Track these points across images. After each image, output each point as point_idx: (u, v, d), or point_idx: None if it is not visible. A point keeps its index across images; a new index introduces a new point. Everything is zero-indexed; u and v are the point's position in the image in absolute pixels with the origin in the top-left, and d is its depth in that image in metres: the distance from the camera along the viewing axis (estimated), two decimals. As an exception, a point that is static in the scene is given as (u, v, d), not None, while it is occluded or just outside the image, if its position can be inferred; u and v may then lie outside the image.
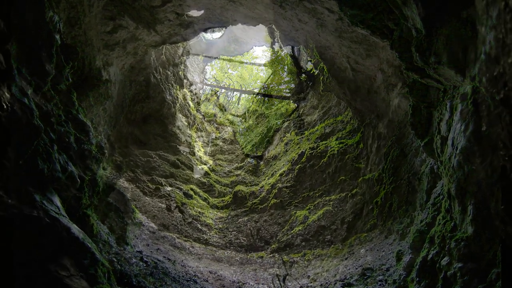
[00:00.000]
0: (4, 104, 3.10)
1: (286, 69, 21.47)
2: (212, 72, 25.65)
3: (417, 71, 4.74)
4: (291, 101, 19.90)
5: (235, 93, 26.32)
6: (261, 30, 10.69)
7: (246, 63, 24.40)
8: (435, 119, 5.08)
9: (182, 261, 9.22)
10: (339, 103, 14.09)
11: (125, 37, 9.73)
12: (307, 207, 11.78)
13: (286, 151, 15.11)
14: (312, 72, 14.78)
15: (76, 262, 4.04)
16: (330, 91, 13.11)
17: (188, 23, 11.16)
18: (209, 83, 25.08)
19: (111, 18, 8.99)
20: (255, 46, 12.12)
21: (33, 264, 3.33)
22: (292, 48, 17.36)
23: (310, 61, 14.30)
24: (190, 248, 10.49)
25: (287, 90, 21.04)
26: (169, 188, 12.77)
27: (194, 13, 10.79)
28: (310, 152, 12.85)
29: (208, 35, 11.50)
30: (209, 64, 23.70)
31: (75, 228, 4.22)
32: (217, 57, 23.39)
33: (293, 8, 9.29)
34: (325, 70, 12.20)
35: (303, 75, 17.13)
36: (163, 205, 11.88)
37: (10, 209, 3.02)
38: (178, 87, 17.24)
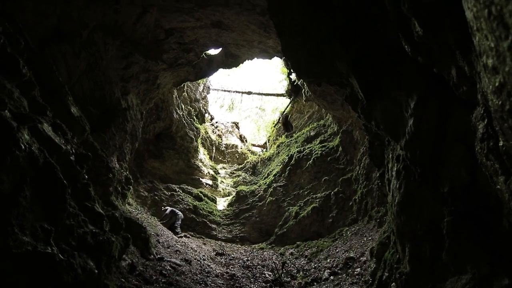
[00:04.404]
0: (22, 145, 3.04)
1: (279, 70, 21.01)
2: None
3: (365, 120, 4.92)
4: (285, 97, 19.71)
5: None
6: (253, 47, 10.96)
7: (262, 94, 23.70)
8: (387, 155, 5.29)
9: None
10: (321, 108, 14.17)
11: (137, 70, 10.07)
12: (298, 204, 12.12)
13: (278, 152, 15.34)
14: (295, 83, 14.78)
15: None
16: (311, 100, 13.20)
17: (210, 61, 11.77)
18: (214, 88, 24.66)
19: (124, 57, 9.27)
20: (248, 60, 12.37)
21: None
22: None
23: (293, 72, 14.28)
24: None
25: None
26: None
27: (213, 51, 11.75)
28: (298, 155, 13.08)
29: (208, 52, 12.07)
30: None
31: (90, 265, 3.94)
32: (235, 91, 22.80)
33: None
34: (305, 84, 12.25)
35: (290, 81, 17.04)
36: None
37: (25, 246, 2.87)
38: (199, 121, 16.15)
